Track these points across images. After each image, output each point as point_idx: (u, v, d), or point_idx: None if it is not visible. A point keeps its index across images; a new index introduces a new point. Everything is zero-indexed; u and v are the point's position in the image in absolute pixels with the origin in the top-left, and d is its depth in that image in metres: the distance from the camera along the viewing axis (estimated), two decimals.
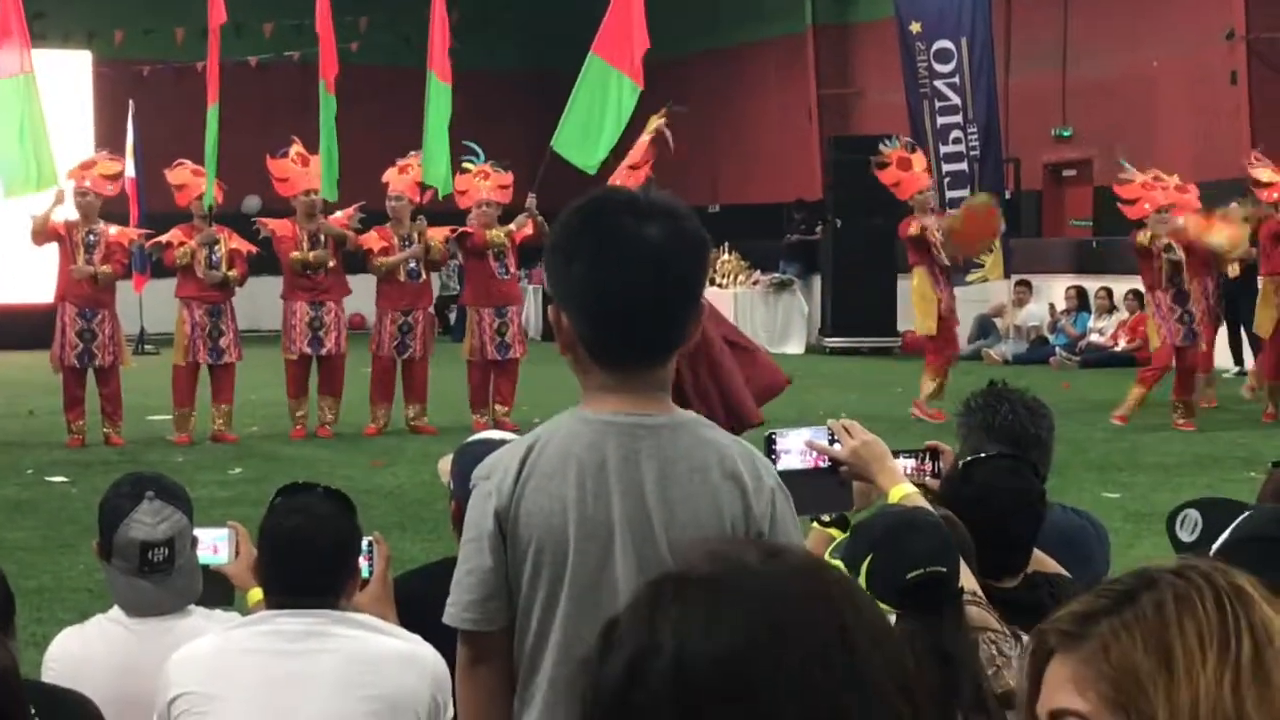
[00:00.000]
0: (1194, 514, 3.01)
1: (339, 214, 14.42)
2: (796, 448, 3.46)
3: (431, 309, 14.95)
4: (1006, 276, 20.36)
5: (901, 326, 22.76)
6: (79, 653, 3.81)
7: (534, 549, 2.65)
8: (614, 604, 2.59)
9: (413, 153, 14.44)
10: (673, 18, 20.31)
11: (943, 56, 21.02)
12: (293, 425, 13.96)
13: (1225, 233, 14.36)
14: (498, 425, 12.56)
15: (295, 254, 13.95)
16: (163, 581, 3.81)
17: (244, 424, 14.02)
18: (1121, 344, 20.62)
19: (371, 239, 14.35)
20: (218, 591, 4.04)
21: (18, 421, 14.82)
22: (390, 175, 14.54)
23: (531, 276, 22.43)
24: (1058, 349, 21.02)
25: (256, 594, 3.75)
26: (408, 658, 3.42)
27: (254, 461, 12.38)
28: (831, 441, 3.45)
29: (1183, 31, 21.11)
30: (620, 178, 12.26)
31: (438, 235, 14.39)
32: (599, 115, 13.07)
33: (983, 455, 3.75)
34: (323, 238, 14.06)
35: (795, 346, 23.28)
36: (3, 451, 13.04)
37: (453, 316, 24.06)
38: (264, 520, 3.57)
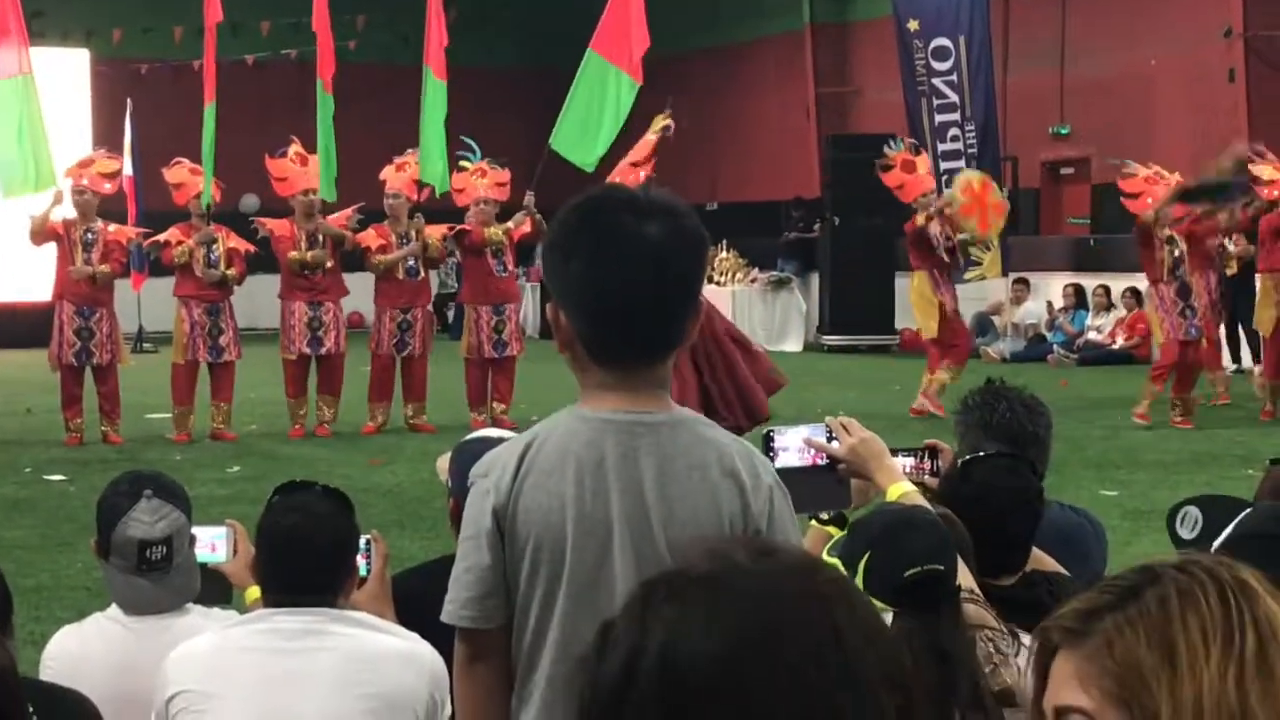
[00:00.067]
0: (1194, 511, 3.01)
1: (338, 214, 14.41)
2: (795, 445, 3.46)
3: (430, 307, 14.95)
4: (1004, 274, 20.36)
5: (899, 324, 22.77)
6: (77, 651, 3.81)
7: (532, 546, 2.65)
8: (612, 601, 2.59)
9: (410, 150, 14.44)
10: (672, 15, 20.30)
11: (941, 54, 21.02)
12: (291, 424, 13.96)
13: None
14: (496, 423, 12.56)
15: (293, 254, 13.95)
16: (161, 580, 3.81)
17: (242, 422, 14.02)
18: (1119, 342, 20.64)
19: (369, 237, 14.35)
20: (216, 590, 4.03)
21: (16, 420, 14.82)
22: (388, 173, 14.54)
23: (529, 274, 22.43)
24: (1055, 347, 21.03)
25: (254, 592, 3.75)
26: (406, 656, 3.42)
27: (252, 460, 12.37)
28: (830, 439, 3.45)
29: (1181, 29, 21.12)
30: (622, 174, 12.27)
31: (435, 233, 14.38)
32: (597, 113, 13.08)
33: (981, 454, 3.75)
34: (321, 238, 14.05)
35: (793, 344, 23.28)
36: (1, 450, 13.04)
37: (451, 314, 24.06)
38: (262, 519, 3.57)
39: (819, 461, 3.44)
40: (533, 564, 2.66)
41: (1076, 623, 1.49)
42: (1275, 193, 14.88)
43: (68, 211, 13.43)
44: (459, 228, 14.31)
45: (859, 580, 2.91)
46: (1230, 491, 3.71)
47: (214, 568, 4.03)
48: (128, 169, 18.51)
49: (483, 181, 14.36)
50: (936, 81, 21.05)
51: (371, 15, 25.52)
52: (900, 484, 3.40)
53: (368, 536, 3.80)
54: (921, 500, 3.36)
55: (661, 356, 2.69)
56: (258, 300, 17.63)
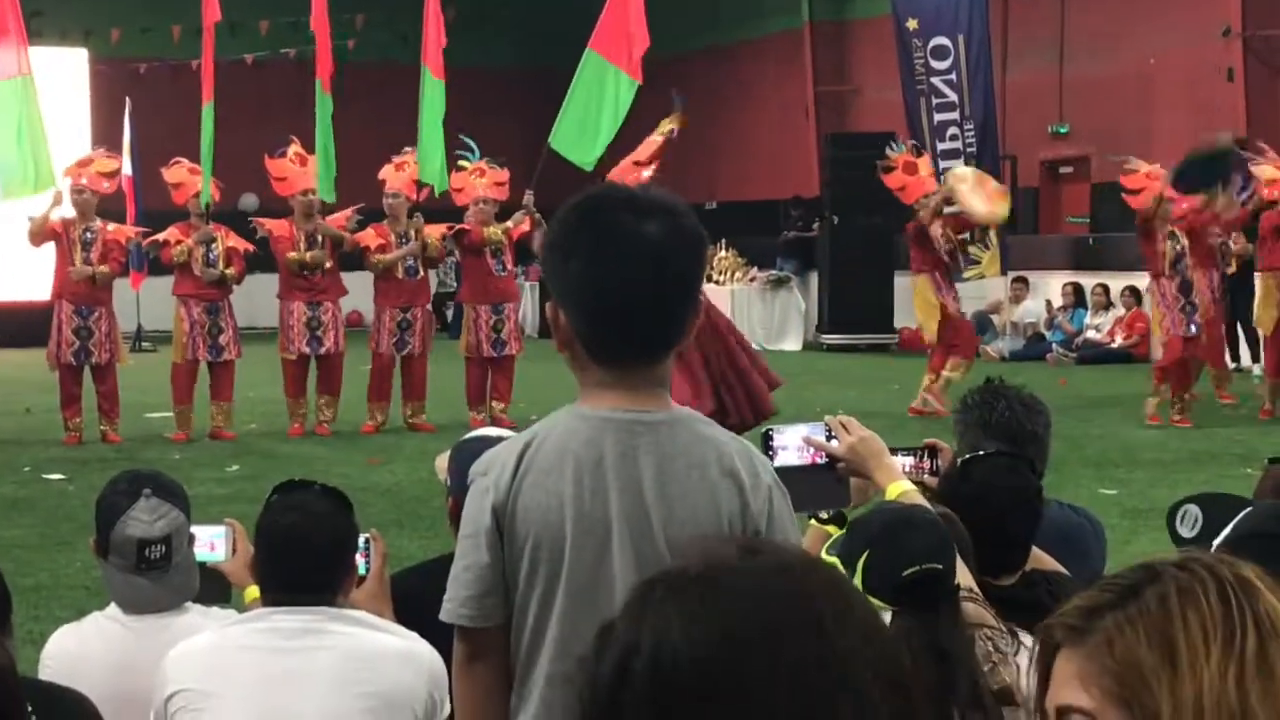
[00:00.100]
0: (1194, 509, 3.01)
1: (337, 214, 14.40)
2: (794, 444, 3.46)
3: (429, 306, 14.95)
4: (1003, 273, 20.35)
5: (899, 323, 22.77)
6: (76, 650, 3.81)
7: (531, 545, 2.65)
8: (611, 600, 2.59)
9: (408, 149, 14.44)
10: (671, 15, 20.29)
11: (940, 53, 21.02)
12: (290, 423, 13.96)
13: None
14: (495, 422, 12.57)
15: (292, 254, 13.95)
16: (160, 579, 3.81)
17: (241, 421, 14.02)
18: (1118, 340, 20.64)
19: (368, 236, 14.35)
20: (215, 589, 4.03)
21: (14, 419, 14.81)
22: (387, 173, 14.54)
23: (528, 273, 22.43)
24: (1054, 345, 21.04)
25: (253, 591, 3.74)
26: (405, 655, 3.42)
27: (251, 459, 12.37)
28: (829, 438, 3.45)
29: (1180, 28, 21.12)
30: (624, 173, 12.25)
31: (434, 232, 14.39)
32: (596, 112, 13.08)
33: (981, 453, 3.75)
34: (320, 238, 14.05)
35: (792, 343, 23.28)
36: (0, 449, 13.04)
37: (450, 313, 24.06)
38: (260, 518, 3.56)
39: (818, 460, 3.44)
40: (532, 563, 2.66)
41: (1078, 621, 1.48)
42: (1275, 192, 14.87)
43: (66, 211, 13.43)
44: (458, 227, 14.31)
45: (858, 579, 2.91)
46: (1229, 490, 3.71)
47: (213, 567, 4.03)
48: (126, 168, 18.50)
49: (481, 181, 14.37)
50: (935, 80, 21.06)
51: (370, 14, 25.52)
52: (899, 483, 3.40)
53: (366, 535, 3.80)
54: (920, 499, 3.36)
55: (660, 355, 2.69)
56: (256, 299, 17.64)
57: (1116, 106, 21.78)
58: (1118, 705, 1.43)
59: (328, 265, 14.10)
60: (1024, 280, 22.01)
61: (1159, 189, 13.96)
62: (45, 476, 11.61)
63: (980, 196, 15.09)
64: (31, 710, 2.74)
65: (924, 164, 15.94)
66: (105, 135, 20.52)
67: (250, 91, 24.72)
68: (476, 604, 2.69)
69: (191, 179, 13.84)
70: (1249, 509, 2.81)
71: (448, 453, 3.92)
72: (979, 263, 17.54)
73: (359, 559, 3.70)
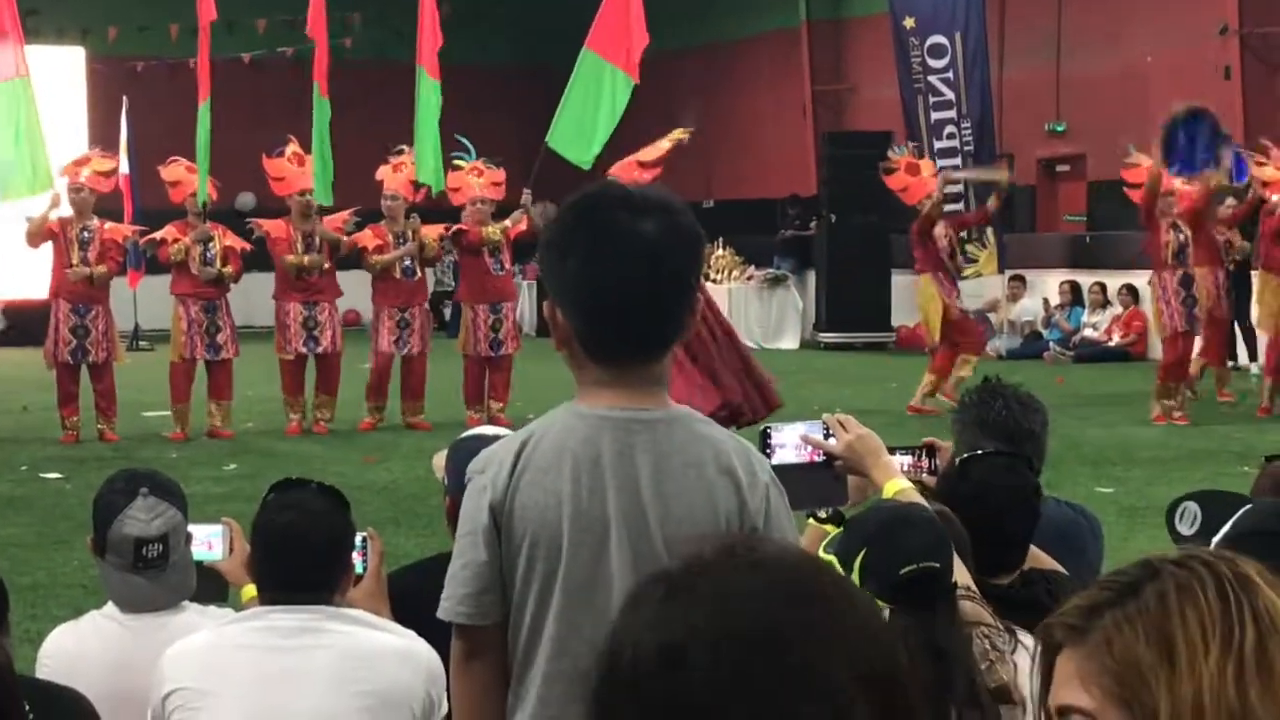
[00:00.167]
0: (1193, 507, 3.01)
1: (335, 216, 14.38)
2: (791, 442, 3.45)
3: (426, 305, 14.96)
4: (1000, 272, 20.36)
5: (896, 321, 22.78)
6: (73, 649, 3.81)
7: (528, 543, 2.65)
8: (608, 599, 2.59)
9: (404, 148, 14.43)
10: (668, 13, 20.27)
11: (937, 52, 21.02)
12: (288, 422, 13.96)
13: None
14: (492, 421, 12.57)
15: (290, 258, 13.94)
16: (157, 578, 3.80)
17: (239, 420, 14.02)
18: (1115, 339, 20.65)
19: (366, 237, 14.36)
20: (212, 588, 4.03)
21: (12, 417, 14.81)
22: (384, 173, 14.53)
23: (525, 271, 22.43)
24: (1051, 344, 21.04)
25: (250, 590, 3.74)
26: (402, 653, 3.42)
27: (249, 457, 12.37)
28: (826, 436, 3.45)
29: (1176, 26, 21.12)
30: (627, 170, 12.23)
31: (432, 233, 14.39)
32: (593, 110, 13.08)
33: (979, 452, 3.75)
34: (317, 240, 14.05)
35: (790, 342, 23.28)
36: None
37: (447, 312, 24.05)
38: (257, 516, 3.56)
39: (816, 458, 3.44)
40: (529, 561, 2.66)
41: (1078, 620, 1.48)
42: (1277, 194, 14.86)
43: (64, 210, 13.43)
44: (456, 227, 14.32)
45: (855, 577, 2.91)
46: (1227, 488, 3.71)
47: (210, 566, 4.03)
48: (124, 167, 18.50)
49: (479, 180, 14.37)
50: (932, 79, 21.05)
51: (366, 11, 25.51)
52: (897, 481, 3.40)
53: (364, 534, 3.80)
54: (918, 497, 3.36)
55: (657, 354, 2.69)
56: (254, 298, 17.62)
57: (1113, 104, 21.77)
58: (1117, 705, 1.43)
59: (325, 266, 14.11)
60: (1021, 279, 22.00)
61: (1155, 171, 13.91)
62: (42, 475, 11.60)
63: (981, 169, 15.32)
64: (29, 709, 2.74)
65: (926, 165, 15.93)
66: (102, 134, 20.52)
67: (247, 90, 24.70)
68: (474, 602, 2.69)
69: (189, 177, 13.83)
70: (1248, 506, 2.81)
71: (445, 451, 3.92)
72: (976, 261, 17.56)
73: (356, 557, 3.70)
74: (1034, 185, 23.70)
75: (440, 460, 3.97)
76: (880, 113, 23.37)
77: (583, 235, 2.63)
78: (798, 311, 23.81)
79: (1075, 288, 21.64)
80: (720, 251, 23.79)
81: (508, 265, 14.61)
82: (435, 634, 3.08)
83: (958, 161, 17.79)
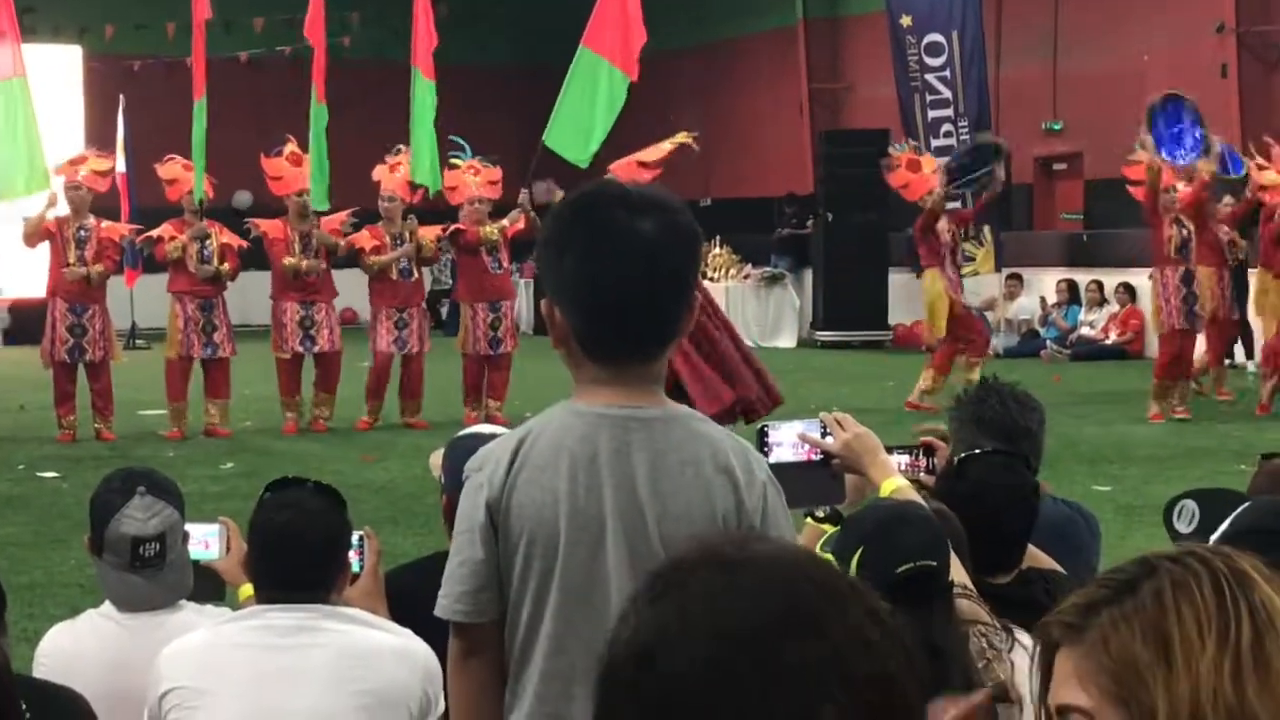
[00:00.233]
0: (1191, 505, 3.01)
1: (332, 217, 14.36)
2: (789, 441, 3.45)
3: (424, 305, 14.96)
4: (997, 270, 20.39)
5: (893, 320, 22.78)
6: (70, 648, 3.81)
7: (525, 541, 2.65)
8: (605, 597, 2.60)
9: (401, 148, 14.42)
10: (665, 11, 20.29)
11: (933, 50, 21.04)
12: (285, 420, 13.96)
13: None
14: (490, 420, 12.57)
15: (288, 260, 13.94)
16: (154, 577, 3.80)
17: (236, 419, 14.02)
18: (1112, 337, 20.66)
19: (363, 238, 14.36)
20: (209, 587, 4.03)
21: (9, 416, 14.80)
22: (381, 174, 14.53)
23: (523, 270, 22.44)
24: (1049, 342, 21.05)
25: (247, 589, 3.74)
26: (399, 652, 3.42)
27: (246, 456, 12.37)
28: (824, 435, 3.45)
29: (1173, 25, 21.13)
30: (628, 170, 12.21)
31: (429, 234, 14.39)
32: (590, 108, 13.07)
33: (977, 451, 3.75)
34: (314, 242, 14.04)
35: (787, 340, 23.29)
36: None
37: (444, 311, 24.05)
38: (254, 515, 3.56)
39: (813, 457, 3.44)
40: (526, 559, 2.66)
41: (1075, 618, 1.48)
42: (1278, 198, 14.86)
43: (61, 209, 13.42)
44: (454, 227, 14.33)
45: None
46: (1224, 486, 3.71)
47: (207, 565, 4.03)
48: (120, 165, 18.49)
49: (475, 180, 14.37)
50: (929, 77, 21.08)
51: (364, 10, 25.50)
52: (894, 479, 3.40)
53: (360, 533, 3.80)
54: (915, 496, 3.36)
55: (655, 352, 2.69)
56: (250, 296, 17.62)
57: (1110, 103, 21.77)
58: (1115, 704, 1.43)
59: (322, 267, 14.12)
60: (1018, 277, 22.02)
61: (1155, 166, 13.90)
62: (39, 474, 11.60)
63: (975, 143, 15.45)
64: (26, 708, 2.74)
65: (927, 161, 15.91)
66: (99, 133, 20.50)
67: (245, 89, 24.70)
68: (471, 600, 2.69)
69: (185, 175, 13.83)
70: (1246, 504, 2.81)
71: (442, 450, 3.92)
72: (974, 259, 17.57)
73: (353, 556, 3.69)
74: (1031, 184, 23.71)
75: (437, 459, 3.97)
76: (877, 111, 23.38)
77: (581, 233, 2.63)
78: (795, 310, 23.82)
79: (1072, 286, 21.65)
80: (717, 250, 23.79)
81: (505, 264, 14.61)
82: (432, 632, 3.08)
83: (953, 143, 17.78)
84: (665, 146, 12.76)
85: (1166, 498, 3.23)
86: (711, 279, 22.93)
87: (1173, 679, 1.41)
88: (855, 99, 26.24)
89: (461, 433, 4.05)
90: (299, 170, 14.00)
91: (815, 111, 26.54)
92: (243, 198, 22.50)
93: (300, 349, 13.99)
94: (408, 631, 3.46)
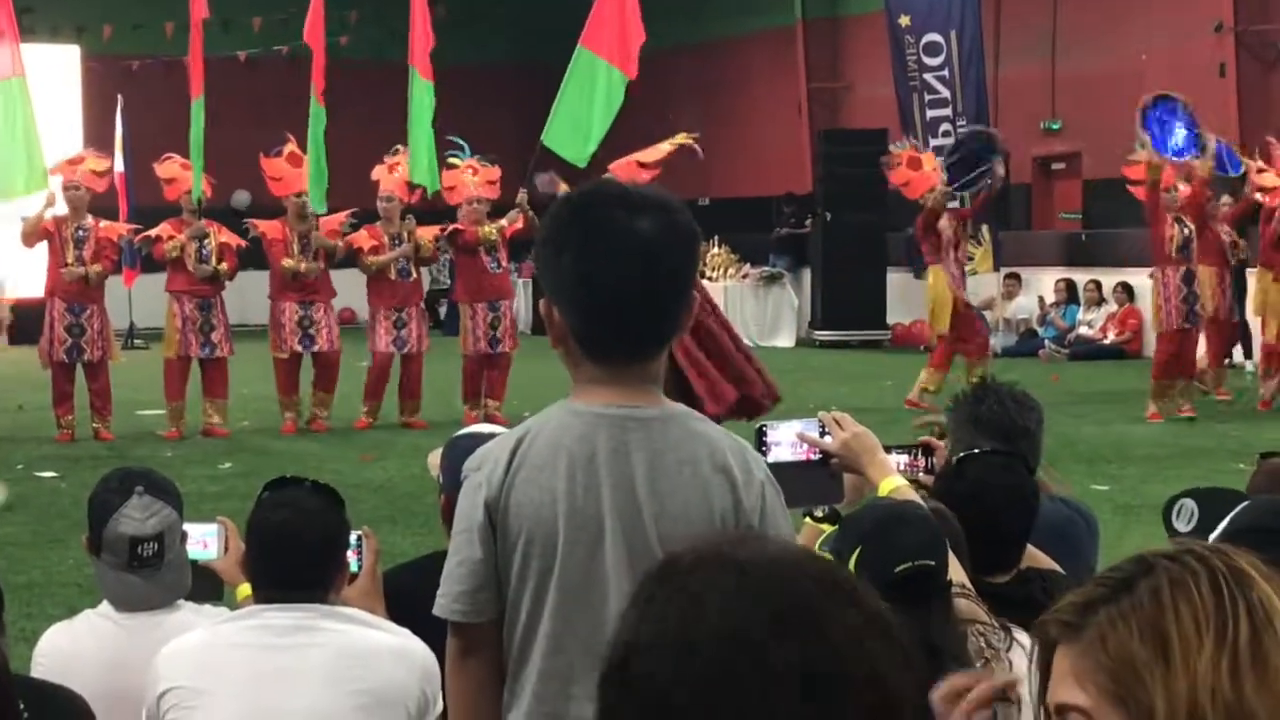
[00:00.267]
0: (1190, 504, 3.02)
1: (331, 217, 14.35)
2: (787, 440, 3.45)
3: (422, 305, 14.95)
4: (996, 269, 20.40)
5: (891, 319, 22.79)
6: (68, 648, 3.80)
7: (524, 540, 2.65)
8: (603, 596, 2.60)
9: (399, 148, 14.42)
10: (663, 10, 20.30)
11: (932, 50, 21.06)
12: (283, 420, 13.95)
13: None
14: (488, 419, 12.57)
15: (287, 262, 13.94)
16: (152, 576, 3.80)
17: (234, 418, 14.01)
18: (1110, 336, 20.66)
19: (361, 238, 14.36)
20: (207, 587, 4.03)
21: (7, 416, 14.79)
22: (380, 174, 14.53)
23: (521, 270, 22.44)
24: (1047, 342, 21.06)
25: (245, 589, 3.74)
26: (397, 652, 3.41)
27: (244, 456, 12.37)
28: (822, 434, 3.45)
29: (1171, 24, 21.13)
30: (627, 169, 12.21)
31: (427, 234, 14.39)
32: (588, 108, 13.06)
33: (976, 451, 3.76)
34: (313, 244, 14.04)
35: (785, 340, 23.29)
36: None
37: (443, 310, 24.03)
38: (251, 515, 3.55)
39: (812, 456, 3.44)
40: (524, 558, 2.66)
41: (1073, 616, 1.48)
42: (1277, 200, 14.87)
43: (59, 208, 13.42)
44: (452, 227, 14.33)
45: None
46: (1222, 486, 3.71)
47: (205, 564, 4.03)
48: (119, 165, 18.49)
49: (474, 180, 14.37)
50: (928, 76, 21.09)
51: (362, 10, 25.50)
52: (892, 479, 3.40)
53: (359, 532, 3.80)
54: (913, 495, 3.36)
55: (653, 352, 2.69)
56: (248, 296, 17.63)
57: (1108, 102, 21.75)
58: (1113, 702, 1.42)
59: (320, 269, 14.13)
60: (1016, 276, 22.02)
61: (1155, 165, 13.90)
62: (37, 474, 11.59)
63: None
64: (24, 708, 2.74)
65: (928, 159, 15.89)
66: (97, 132, 20.50)
67: (242, 88, 24.69)
68: (469, 599, 2.69)
69: (184, 175, 13.83)
70: (1245, 503, 2.81)
71: (440, 449, 3.92)
72: (972, 258, 17.56)
73: (351, 556, 3.69)
74: (1029, 183, 23.72)
75: (435, 458, 3.96)
76: (876, 110, 23.38)
77: (579, 232, 2.63)
78: (793, 309, 23.82)
79: (1070, 285, 21.66)
80: (716, 249, 23.80)
81: (504, 263, 14.61)
82: (430, 632, 3.08)
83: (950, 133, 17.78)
84: (664, 147, 12.76)
85: (1164, 497, 3.23)
86: (710, 278, 22.93)
87: (1171, 677, 1.41)
88: (854, 98, 26.24)
89: (460, 432, 4.04)
90: (298, 171, 13.99)
91: (814, 111, 26.54)
92: (241, 197, 22.50)
93: (299, 349, 13.99)
94: (406, 631, 3.46)
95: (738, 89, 27.68)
